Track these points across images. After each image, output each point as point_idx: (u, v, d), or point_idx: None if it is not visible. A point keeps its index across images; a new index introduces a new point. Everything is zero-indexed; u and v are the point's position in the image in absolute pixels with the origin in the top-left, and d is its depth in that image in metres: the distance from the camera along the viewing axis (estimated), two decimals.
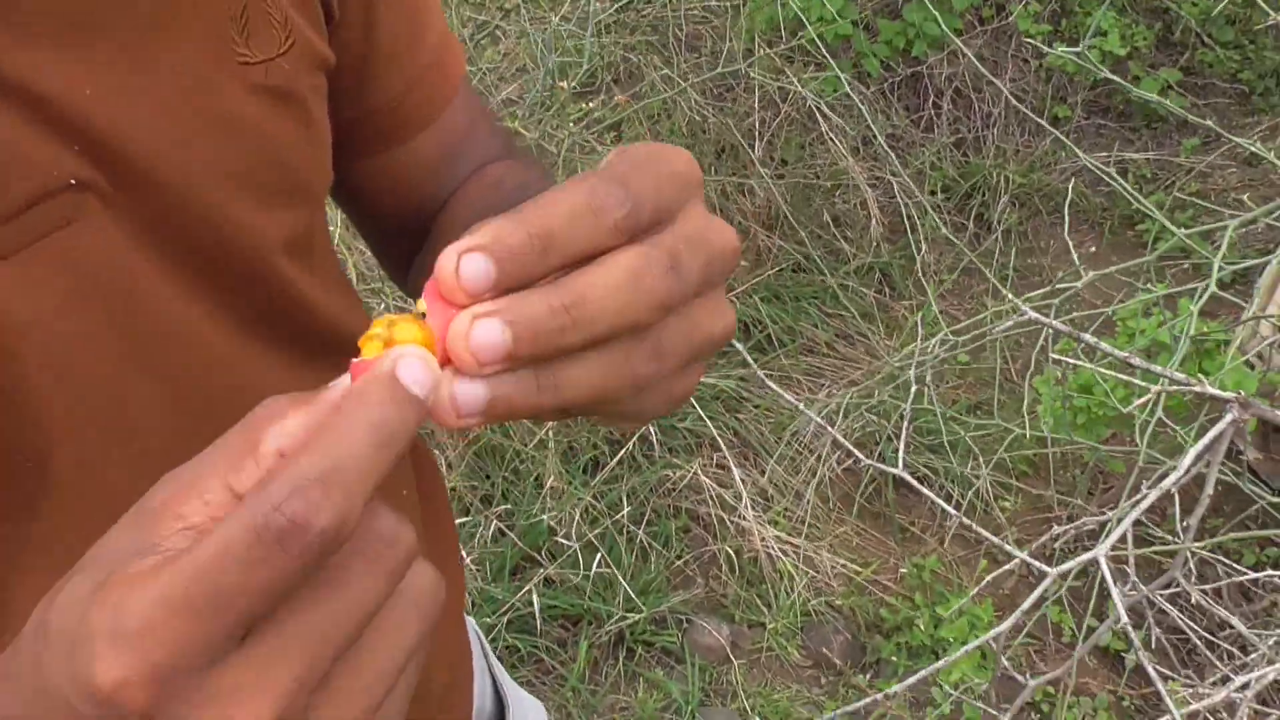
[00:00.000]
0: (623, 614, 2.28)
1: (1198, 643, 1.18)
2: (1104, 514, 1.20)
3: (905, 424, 1.08)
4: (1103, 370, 1.04)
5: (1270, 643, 1.07)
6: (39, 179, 0.47)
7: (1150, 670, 0.86)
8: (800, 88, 2.55)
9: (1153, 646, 0.99)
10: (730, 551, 2.40)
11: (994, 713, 1.17)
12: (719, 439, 2.51)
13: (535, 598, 2.27)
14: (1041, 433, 2.01)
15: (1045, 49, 2.13)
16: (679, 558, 2.43)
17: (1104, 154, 3.23)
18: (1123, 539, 1.03)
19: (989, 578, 1.13)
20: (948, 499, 2.54)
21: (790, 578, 2.38)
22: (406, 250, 0.72)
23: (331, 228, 2.13)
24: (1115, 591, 0.93)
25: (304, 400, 0.35)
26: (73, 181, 0.48)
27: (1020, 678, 1.12)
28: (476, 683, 0.81)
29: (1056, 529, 1.15)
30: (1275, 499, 1.23)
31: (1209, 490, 0.98)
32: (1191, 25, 3.29)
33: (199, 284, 0.53)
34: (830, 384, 2.72)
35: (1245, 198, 3.00)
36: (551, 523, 2.38)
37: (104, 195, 0.49)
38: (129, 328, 0.51)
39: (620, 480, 2.45)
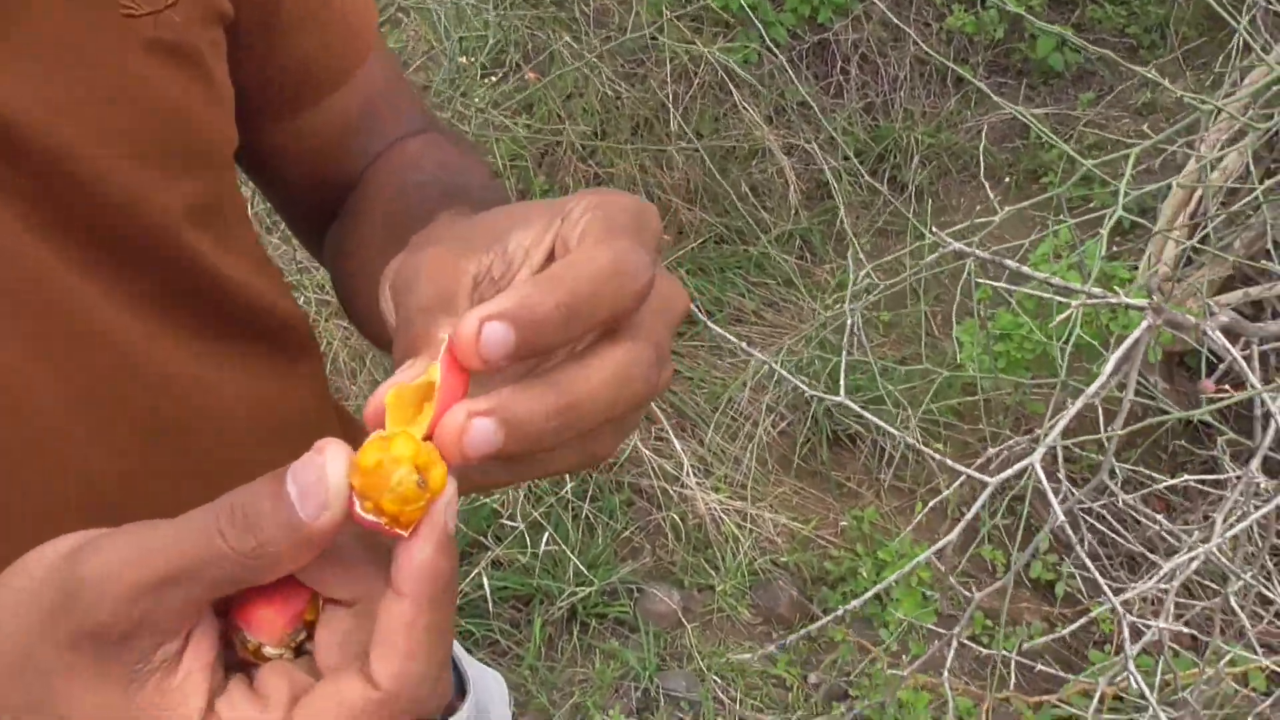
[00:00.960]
0: (574, 589, 2.30)
1: (1130, 546, 1.24)
2: (1034, 435, 1.26)
3: (844, 355, 1.12)
4: (1029, 290, 1.10)
5: (1194, 537, 1.13)
6: None
7: (1087, 562, 0.91)
8: (711, 55, 2.59)
9: (1084, 551, 1.05)
10: (676, 519, 2.44)
11: (942, 632, 1.22)
12: (657, 411, 2.55)
13: (485, 580, 2.28)
14: (967, 376, 2.08)
15: (947, 12, 2.20)
16: (625, 530, 2.46)
17: (1006, 111, 3.33)
18: (1054, 458, 1.08)
19: (932, 503, 1.18)
20: (880, 452, 2.61)
21: (735, 540, 2.43)
22: (319, 222, 0.69)
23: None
24: (1050, 494, 0.98)
25: (297, 550, 0.34)
26: None
27: (965, 593, 1.17)
28: None
29: (991, 450, 1.20)
30: (1183, 414, 1.30)
31: (1130, 395, 1.04)
32: None
33: (96, 259, 0.50)
34: (761, 350, 2.78)
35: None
36: (495, 505, 2.39)
37: None
38: (21, 307, 0.48)
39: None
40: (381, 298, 0.43)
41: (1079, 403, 1.01)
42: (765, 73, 2.92)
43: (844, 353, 1.14)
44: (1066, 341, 1.29)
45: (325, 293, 2.47)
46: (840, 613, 1.07)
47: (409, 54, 2.64)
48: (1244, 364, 1.01)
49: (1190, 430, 2.04)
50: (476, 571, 2.29)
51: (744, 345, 1.17)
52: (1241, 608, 1.10)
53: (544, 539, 2.34)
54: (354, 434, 0.37)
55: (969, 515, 0.98)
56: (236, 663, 0.37)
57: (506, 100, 2.61)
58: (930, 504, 1.21)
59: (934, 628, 1.45)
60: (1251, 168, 1.44)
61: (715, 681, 2.23)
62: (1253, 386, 0.98)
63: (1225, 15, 1.50)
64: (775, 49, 2.83)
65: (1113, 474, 1.20)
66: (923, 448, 1.01)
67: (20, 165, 0.46)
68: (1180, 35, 3.42)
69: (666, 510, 2.45)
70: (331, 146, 0.66)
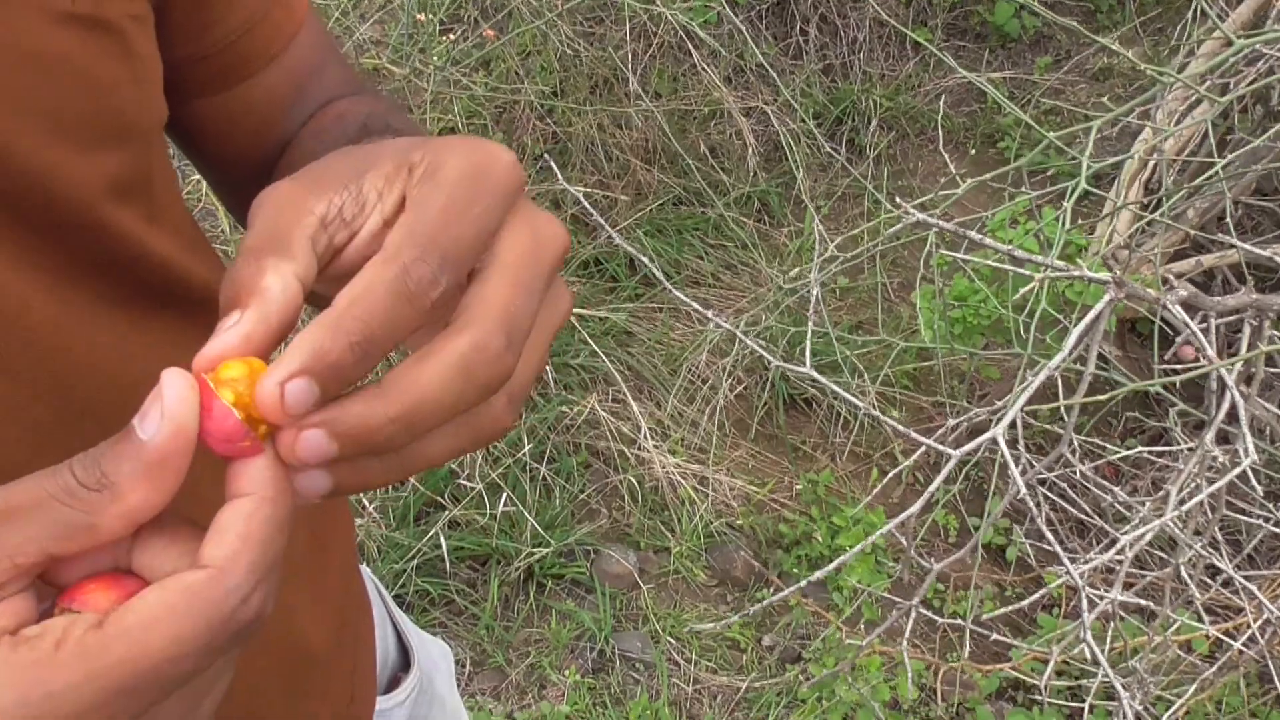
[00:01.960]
0: (530, 550, 2.30)
1: (1082, 516, 1.26)
2: (994, 406, 1.27)
3: (809, 327, 1.12)
4: (991, 264, 1.10)
5: (1146, 508, 1.15)
6: None
7: (1047, 533, 0.92)
8: (671, 15, 2.56)
9: (1043, 520, 1.06)
10: (633, 481, 2.44)
11: (900, 600, 1.23)
12: (615, 373, 2.54)
13: (443, 540, 2.27)
14: (922, 344, 2.10)
15: None
16: (582, 491, 2.46)
17: (964, 75, 3.33)
18: (1013, 426, 1.09)
19: (892, 473, 1.18)
20: (835, 416, 2.63)
21: (691, 502, 2.44)
22: (252, 193, 0.68)
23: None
24: (1012, 466, 0.99)
25: (139, 476, 0.34)
26: None
27: (926, 563, 1.18)
28: (378, 632, 0.81)
29: (952, 421, 1.21)
30: (1141, 385, 1.32)
31: (1090, 368, 1.05)
32: None
33: (10, 237, 0.48)
34: (719, 313, 2.77)
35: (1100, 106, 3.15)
36: (453, 466, 2.38)
37: None
38: None
39: (519, 419, 2.46)
40: None
41: (1040, 375, 1.01)
42: (724, 33, 2.89)
43: (809, 324, 1.14)
44: (1030, 314, 1.30)
45: None
46: (804, 584, 1.08)
47: (365, 8, 2.58)
48: (1202, 337, 1.02)
49: (1140, 399, 2.07)
50: (434, 531, 2.28)
51: (708, 313, 1.16)
52: (1191, 578, 1.12)
53: (501, 500, 2.34)
54: None
55: (932, 487, 0.99)
56: None
57: (465, 59, 2.57)
58: (890, 474, 1.21)
59: (887, 595, 1.47)
60: (1211, 137, 1.45)
61: (670, 643, 2.25)
62: (1210, 361, 0.99)
63: None
64: (734, 9, 2.81)
65: (1071, 444, 1.22)
66: (885, 419, 1.01)
67: None
68: (1138, 1, 3.43)
69: (624, 473, 2.46)
70: (262, 120, 0.66)
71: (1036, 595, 1.07)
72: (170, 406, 0.34)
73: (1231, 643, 1.17)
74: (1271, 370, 1.59)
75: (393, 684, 0.84)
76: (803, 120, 3.01)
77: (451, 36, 2.57)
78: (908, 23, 3.32)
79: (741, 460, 2.59)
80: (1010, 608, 1.13)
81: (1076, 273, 1.03)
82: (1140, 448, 1.27)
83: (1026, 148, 3.03)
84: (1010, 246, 1.11)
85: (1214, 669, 1.22)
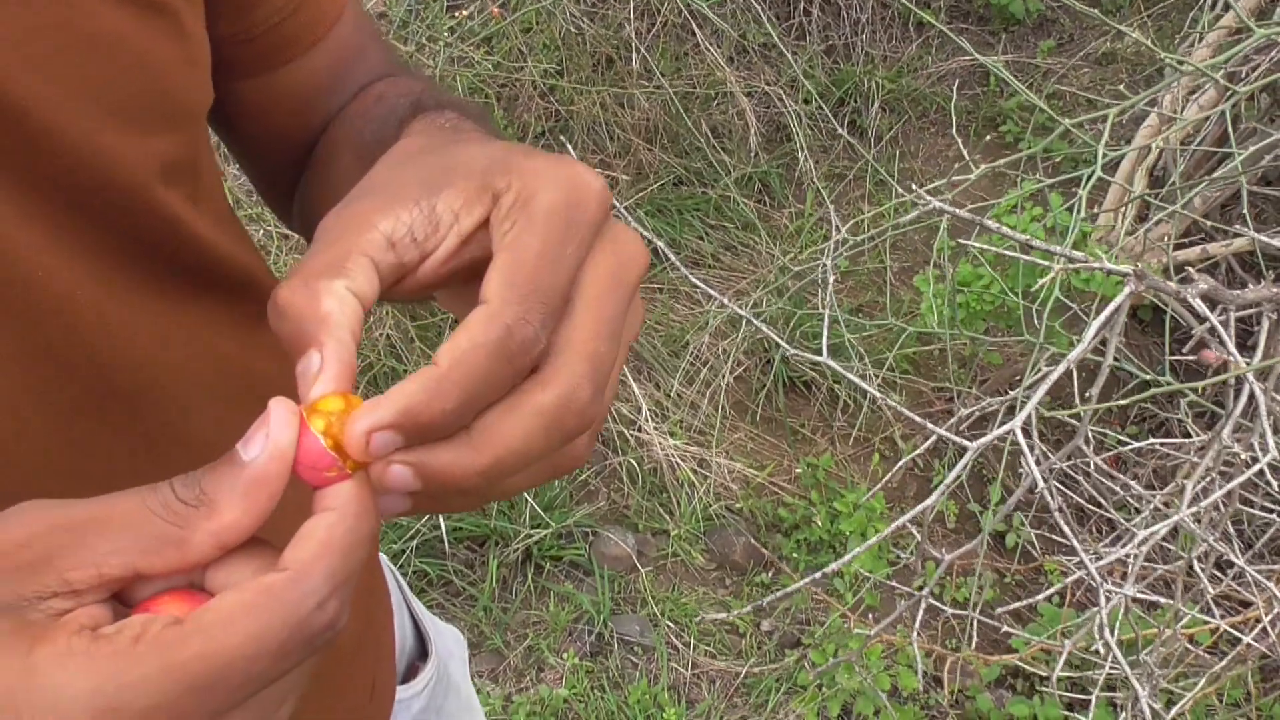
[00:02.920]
0: (529, 531, 2.29)
1: (1085, 504, 1.25)
2: (1008, 397, 1.26)
3: (826, 309, 1.10)
4: (1002, 251, 1.09)
5: (1158, 500, 1.14)
6: None
7: (1063, 526, 0.91)
8: None
9: (1057, 512, 1.05)
10: (632, 463, 2.43)
11: (909, 589, 1.23)
12: None
13: (441, 521, 2.26)
14: (930, 330, 2.09)
15: None
16: (581, 473, 2.45)
17: (967, 58, 3.31)
18: (1027, 419, 1.08)
19: (901, 462, 1.17)
20: (835, 399, 2.62)
21: (691, 485, 2.43)
22: (291, 179, 0.68)
23: None
24: (1029, 458, 0.98)
25: (237, 494, 0.34)
26: None
27: (937, 554, 1.17)
28: (396, 620, 0.81)
29: (964, 410, 1.20)
30: (1177, 386, 1.31)
31: (1109, 360, 1.04)
32: None
33: (63, 223, 0.48)
34: (722, 296, 2.76)
35: (1102, 96, 3.13)
36: None
37: None
38: None
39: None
40: None
41: (1060, 368, 1.00)
42: (728, 12, 2.86)
43: (824, 309, 1.12)
44: (1037, 301, 1.29)
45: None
46: (817, 575, 1.07)
47: None
48: (1224, 332, 1.01)
49: (1147, 388, 2.07)
50: None
51: (716, 294, 1.15)
52: (1203, 570, 1.12)
53: None
54: None
55: (949, 479, 0.98)
56: None
57: (471, 37, 2.54)
58: (899, 464, 1.20)
59: (890, 582, 1.46)
60: (1228, 125, 1.44)
61: (669, 626, 2.25)
62: (1233, 356, 0.98)
63: None
64: None
65: (1085, 436, 1.21)
66: (903, 409, 1.00)
67: None
68: None
69: (623, 455, 2.45)
70: (304, 104, 0.66)
71: (1050, 591, 1.06)
72: (275, 431, 0.34)
73: (1240, 636, 1.17)
74: None
75: (410, 673, 0.83)
76: (806, 101, 2.99)
77: (465, 12, 2.54)
78: (912, 3, 3.29)
79: (741, 443, 2.58)
80: (1021, 603, 1.12)
81: (1096, 265, 1.02)
82: (1153, 440, 1.26)
83: (1030, 132, 3.01)
84: (1026, 236, 1.10)
85: (1224, 662, 1.22)
